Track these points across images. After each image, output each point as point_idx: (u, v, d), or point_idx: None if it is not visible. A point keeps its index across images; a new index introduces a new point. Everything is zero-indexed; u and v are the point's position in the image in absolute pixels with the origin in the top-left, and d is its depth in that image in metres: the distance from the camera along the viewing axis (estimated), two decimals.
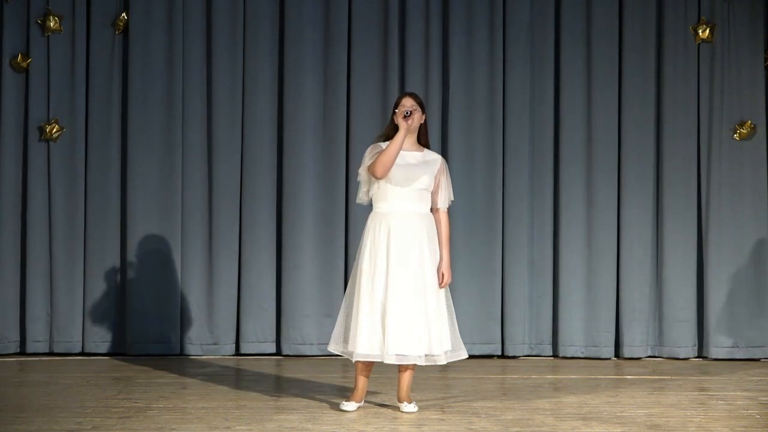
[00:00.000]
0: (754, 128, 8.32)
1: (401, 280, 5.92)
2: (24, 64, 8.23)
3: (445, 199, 6.11)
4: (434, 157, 6.11)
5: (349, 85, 8.32)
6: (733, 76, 8.35)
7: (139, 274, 8.26)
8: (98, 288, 8.27)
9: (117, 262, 8.30)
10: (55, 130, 8.21)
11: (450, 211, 6.20)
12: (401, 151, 5.98)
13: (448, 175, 6.14)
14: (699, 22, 8.34)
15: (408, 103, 6.05)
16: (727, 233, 8.30)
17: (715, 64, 8.36)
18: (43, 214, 8.23)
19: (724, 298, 8.26)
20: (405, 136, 5.96)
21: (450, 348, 5.99)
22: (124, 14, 8.27)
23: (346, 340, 6.01)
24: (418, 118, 6.04)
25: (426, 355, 5.93)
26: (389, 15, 8.31)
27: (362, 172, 6.08)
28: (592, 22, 8.35)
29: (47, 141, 8.23)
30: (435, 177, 6.05)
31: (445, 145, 8.34)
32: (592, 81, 8.35)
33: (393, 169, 5.96)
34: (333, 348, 6.11)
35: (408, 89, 8.29)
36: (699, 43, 8.35)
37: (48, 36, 8.23)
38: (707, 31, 8.32)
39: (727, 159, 8.33)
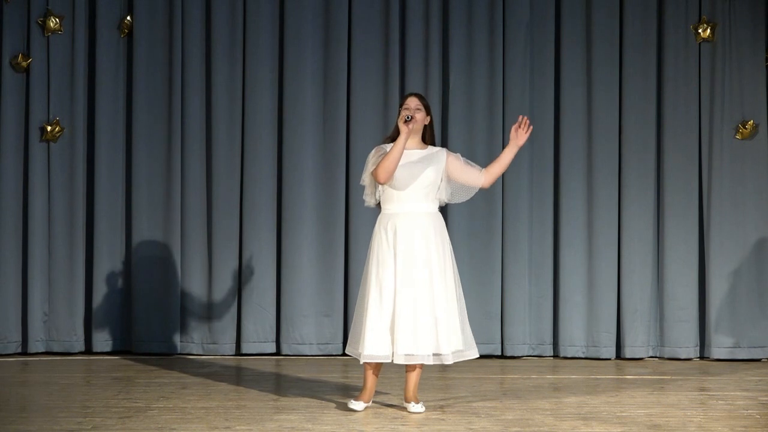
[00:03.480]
0: (756, 128, 8.31)
1: (408, 281, 5.92)
2: (24, 64, 8.23)
3: (475, 171, 6.09)
4: (439, 153, 6.09)
5: (349, 85, 8.32)
6: (734, 76, 8.33)
7: (140, 273, 8.26)
8: (99, 288, 8.27)
9: (117, 262, 8.30)
10: (57, 130, 8.22)
11: (469, 202, 6.25)
12: (405, 150, 5.98)
13: (461, 157, 6.12)
14: (700, 22, 8.33)
15: (412, 104, 6.04)
16: (729, 232, 8.29)
17: (716, 64, 8.34)
18: (44, 214, 8.24)
19: (726, 297, 8.25)
20: (406, 141, 5.94)
21: (461, 347, 5.99)
22: (128, 17, 8.28)
23: (357, 341, 6.01)
24: (421, 119, 6.03)
25: (434, 354, 5.94)
26: (389, 15, 8.31)
27: (366, 176, 6.08)
28: (592, 22, 8.34)
29: (48, 141, 8.24)
30: (444, 169, 6.04)
31: (445, 145, 8.32)
32: (593, 81, 8.34)
33: (397, 170, 5.96)
34: (349, 350, 6.10)
35: (408, 89, 8.29)
36: (700, 43, 8.34)
37: (48, 36, 8.24)
38: (708, 30, 8.31)
39: (728, 158, 8.32)
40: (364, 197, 6.17)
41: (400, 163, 5.95)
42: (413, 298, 5.91)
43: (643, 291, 8.30)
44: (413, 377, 6.07)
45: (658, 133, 8.36)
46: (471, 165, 6.14)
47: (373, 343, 5.90)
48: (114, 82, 8.33)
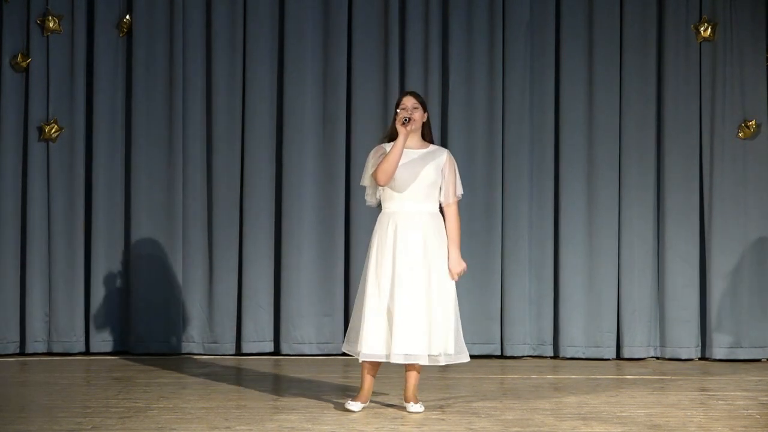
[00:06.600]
0: (758, 127, 8.30)
1: (407, 280, 5.90)
2: (24, 64, 8.23)
3: (449, 193, 6.03)
4: (440, 152, 6.07)
5: (349, 85, 8.32)
6: (735, 75, 8.32)
7: (140, 273, 8.25)
8: (98, 288, 8.27)
9: (117, 262, 8.30)
10: (54, 130, 8.21)
11: (459, 206, 6.14)
12: (405, 149, 5.95)
13: (455, 168, 6.07)
14: (700, 21, 8.33)
15: (409, 103, 6.00)
16: (730, 232, 8.28)
17: (716, 63, 8.33)
18: (43, 213, 8.23)
19: (727, 298, 8.24)
20: (405, 142, 5.92)
21: (453, 351, 5.97)
22: (127, 17, 8.28)
23: (355, 340, 6.00)
24: (419, 117, 6.00)
25: (429, 355, 5.93)
26: (389, 15, 8.31)
27: (366, 178, 6.06)
28: (592, 22, 8.33)
29: (47, 141, 8.23)
30: (441, 170, 6.01)
31: (445, 145, 8.31)
32: (593, 80, 8.33)
33: (396, 171, 5.94)
34: (345, 348, 6.11)
35: (408, 89, 8.27)
36: (701, 42, 8.34)
37: (48, 36, 8.24)
38: (709, 29, 8.30)
39: (729, 158, 8.30)
40: (365, 197, 6.16)
41: (399, 164, 5.93)
42: (410, 297, 5.89)
43: (644, 291, 8.29)
44: (413, 377, 6.07)
45: (659, 133, 8.36)
46: (454, 184, 6.04)
47: (372, 341, 5.89)
48: (113, 82, 8.32)
